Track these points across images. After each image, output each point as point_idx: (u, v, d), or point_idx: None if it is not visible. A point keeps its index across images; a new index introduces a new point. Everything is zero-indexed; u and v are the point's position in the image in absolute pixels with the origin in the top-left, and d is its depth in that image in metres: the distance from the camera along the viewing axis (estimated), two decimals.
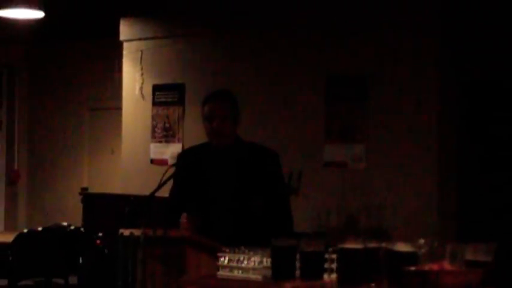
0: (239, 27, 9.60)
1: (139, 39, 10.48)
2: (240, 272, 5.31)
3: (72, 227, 9.88)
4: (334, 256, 5.09)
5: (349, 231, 7.03)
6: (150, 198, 6.18)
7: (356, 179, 8.62)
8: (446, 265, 4.78)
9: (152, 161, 10.26)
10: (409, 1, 8.32)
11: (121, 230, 6.19)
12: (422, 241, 5.01)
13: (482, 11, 8.26)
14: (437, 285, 4.65)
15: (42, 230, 9.80)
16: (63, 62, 12.31)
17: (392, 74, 8.52)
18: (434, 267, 4.76)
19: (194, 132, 9.24)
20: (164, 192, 6.34)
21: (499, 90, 8.36)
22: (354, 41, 8.73)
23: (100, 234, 9.06)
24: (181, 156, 6.88)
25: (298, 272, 5.14)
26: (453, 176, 8.21)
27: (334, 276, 5.07)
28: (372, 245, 5.04)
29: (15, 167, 12.88)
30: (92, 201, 10.56)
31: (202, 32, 9.97)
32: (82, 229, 9.88)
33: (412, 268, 4.78)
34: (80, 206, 10.64)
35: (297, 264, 5.15)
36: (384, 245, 5.04)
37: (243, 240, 5.52)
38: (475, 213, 8.01)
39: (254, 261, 5.27)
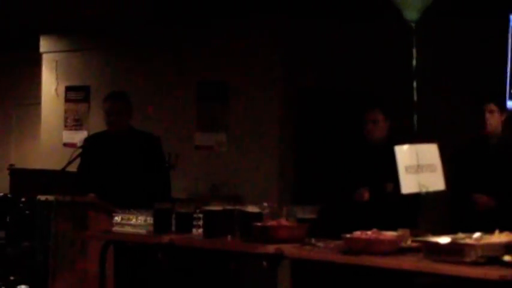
0: (132, 43, 9.53)
1: (55, 51, 10.33)
2: (130, 228, 5.31)
3: (1, 194, 9.72)
4: (200, 216, 5.13)
5: (213, 198, 7.06)
6: (62, 172, 6.13)
7: (219, 159, 8.65)
8: (283, 221, 4.86)
9: (64, 144, 10.11)
10: (260, 24, 8.37)
11: (39, 196, 6.13)
12: (266, 204, 5.08)
13: (317, 31, 8.32)
14: (276, 236, 4.73)
15: None
16: None
17: (248, 81, 8.56)
18: (274, 223, 4.84)
19: (97, 122, 9.14)
20: (73, 167, 6.31)
21: (328, 95, 8.46)
22: (219, 54, 8.75)
23: (23, 199, 8.91)
24: (87, 140, 6.83)
25: (173, 228, 5.17)
26: (291, 158, 8.30)
27: (200, 230, 5.11)
28: (229, 207, 5.09)
29: None
30: (18, 174, 10.41)
31: (104, 46, 9.87)
32: (9, 195, 9.72)
33: (258, 224, 4.86)
34: (8, 178, 10.47)
35: (173, 222, 5.18)
36: (237, 207, 5.10)
37: (133, 203, 5.52)
38: (305, 184, 8.13)
39: (140, 220, 5.28)
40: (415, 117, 4.90)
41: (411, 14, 4.94)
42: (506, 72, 7.26)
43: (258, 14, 8.25)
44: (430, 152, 4.87)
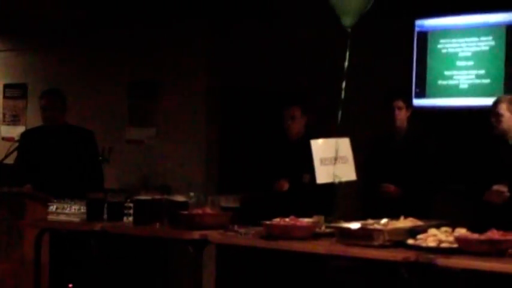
0: (67, 43, 9.41)
1: None
2: (65, 216, 5.27)
3: None
4: (131, 205, 5.11)
5: (143, 188, 7.04)
6: (0, 164, 6.05)
7: (149, 152, 8.61)
8: (208, 210, 4.88)
9: (3, 139, 9.94)
10: (187, 27, 8.36)
11: None
12: (192, 194, 5.10)
13: (241, 34, 8.32)
14: (201, 223, 4.75)
15: None
16: None
17: (176, 81, 8.54)
18: (200, 211, 4.86)
19: (34, 118, 9.00)
20: (11, 160, 6.22)
21: (251, 93, 8.48)
22: (149, 55, 8.70)
23: None
24: (24, 135, 6.76)
25: (105, 216, 5.14)
26: (216, 151, 8.31)
27: (131, 218, 5.09)
28: (158, 196, 5.08)
29: None
30: None
31: (40, 46, 9.73)
32: None
33: (185, 212, 4.87)
34: None
35: (105, 210, 5.15)
36: (165, 196, 5.10)
37: (67, 193, 5.46)
38: (229, 176, 8.16)
39: (74, 209, 5.24)
40: (340, 113, 4.97)
41: (348, 19, 4.99)
42: (412, 73, 7.42)
43: (185, 17, 8.24)
44: (342, 145, 4.96)
